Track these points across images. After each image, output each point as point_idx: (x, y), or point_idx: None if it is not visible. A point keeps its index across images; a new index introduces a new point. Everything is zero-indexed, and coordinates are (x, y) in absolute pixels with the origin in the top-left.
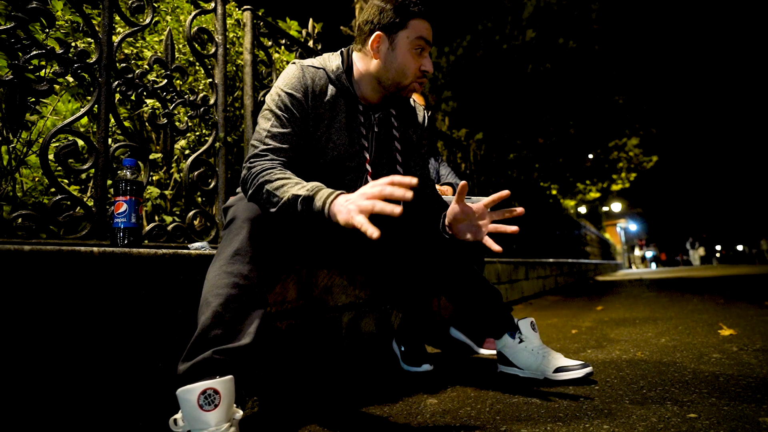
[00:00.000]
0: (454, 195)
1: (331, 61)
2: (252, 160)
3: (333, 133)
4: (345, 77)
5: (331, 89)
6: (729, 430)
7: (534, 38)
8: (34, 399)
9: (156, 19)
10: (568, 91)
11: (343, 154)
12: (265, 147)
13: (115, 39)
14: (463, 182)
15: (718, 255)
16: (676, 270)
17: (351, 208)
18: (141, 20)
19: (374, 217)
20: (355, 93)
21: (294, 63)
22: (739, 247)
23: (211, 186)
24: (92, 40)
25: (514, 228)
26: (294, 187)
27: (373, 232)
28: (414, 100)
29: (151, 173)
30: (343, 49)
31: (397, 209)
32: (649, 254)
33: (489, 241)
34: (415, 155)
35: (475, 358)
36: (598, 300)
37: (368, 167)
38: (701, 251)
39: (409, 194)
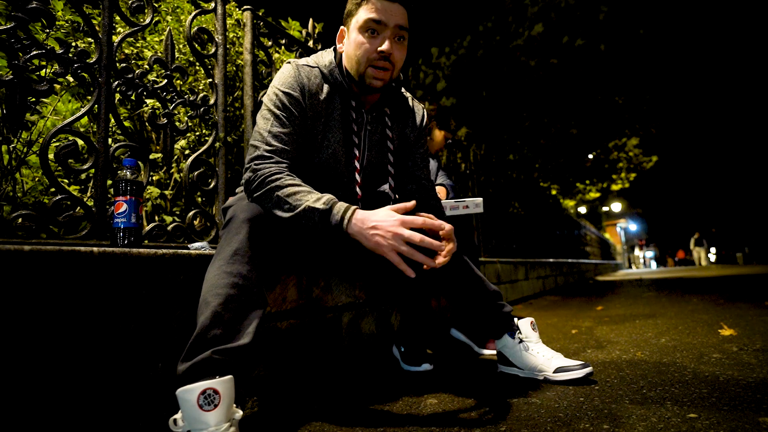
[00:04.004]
0: (448, 198)
1: (324, 57)
2: (257, 162)
3: (329, 131)
4: (338, 71)
5: (326, 87)
6: (729, 430)
7: (541, 33)
8: (35, 399)
9: (156, 19)
10: (568, 91)
11: (338, 151)
12: (268, 148)
13: (115, 39)
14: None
15: (714, 257)
16: (676, 270)
17: (383, 243)
18: (141, 20)
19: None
20: (348, 87)
21: (289, 62)
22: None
23: (211, 186)
24: (92, 40)
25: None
26: (306, 196)
27: (411, 273)
28: (413, 99)
29: (151, 173)
30: (336, 45)
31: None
32: (649, 254)
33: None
34: (414, 155)
35: (475, 359)
36: (598, 300)
37: (356, 164)
38: (704, 250)
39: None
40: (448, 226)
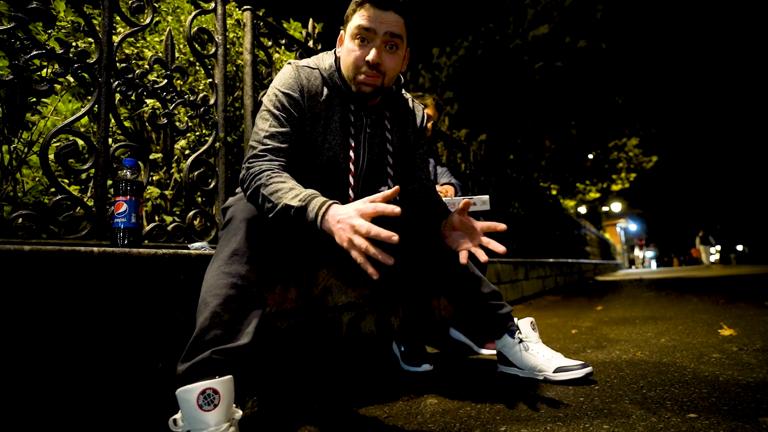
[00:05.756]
0: (456, 195)
1: (324, 60)
2: (251, 160)
3: (329, 133)
4: (337, 75)
5: (325, 90)
6: (729, 430)
7: (546, 34)
8: (35, 399)
9: (157, 19)
10: (569, 92)
11: (338, 154)
12: (264, 147)
13: (116, 39)
14: (465, 200)
15: (715, 257)
16: (676, 270)
17: (344, 237)
18: (141, 20)
19: (376, 219)
20: (347, 91)
21: (289, 63)
22: (739, 247)
23: (211, 186)
24: (92, 40)
25: (501, 248)
26: (287, 194)
27: (373, 272)
28: (413, 100)
29: (151, 173)
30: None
31: (394, 237)
32: (649, 254)
33: (479, 252)
34: (413, 156)
35: (475, 359)
36: (598, 300)
37: (351, 167)
38: (712, 249)
39: (397, 209)
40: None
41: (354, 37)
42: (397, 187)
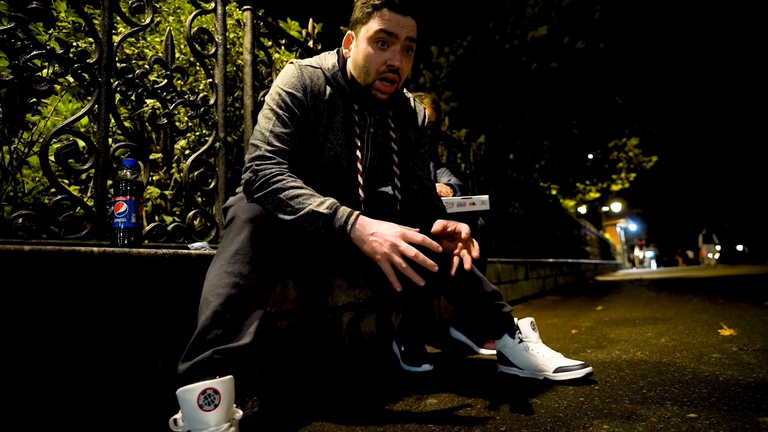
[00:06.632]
0: (454, 195)
1: (327, 60)
2: (258, 162)
3: (331, 133)
4: (340, 75)
5: (328, 89)
6: (729, 430)
7: (545, 35)
8: (35, 399)
9: (157, 19)
10: (569, 91)
11: (340, 154)
12: (270, 148)
13: (116, 39)
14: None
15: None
16: (676, 270)
17: (379, 250)
18: (141, 20)
19: (376, 212)
20: (351, 91)
21: (292, 62)
22: (739, 247)
23: (211, 186)
24: (93, 40)
25: (475, 254)
26: (309, 200)
27: (398, 286)
28: (414, 100)
29: (151, 173)
30: (339, 48)
31: (435, 268)
32: (649, 254)
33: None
34: (414, 156)
35: (475, 359)
36: (598, 300)
37: (359, 166)
38: (713, 248)
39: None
40: (463, 234)
41: (374, 40)
42: (418, 230)
